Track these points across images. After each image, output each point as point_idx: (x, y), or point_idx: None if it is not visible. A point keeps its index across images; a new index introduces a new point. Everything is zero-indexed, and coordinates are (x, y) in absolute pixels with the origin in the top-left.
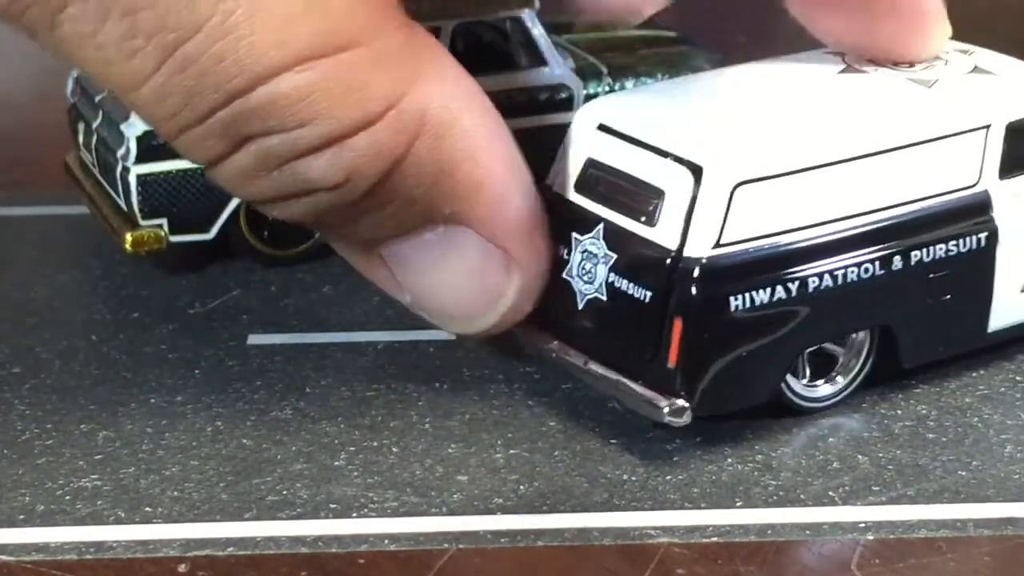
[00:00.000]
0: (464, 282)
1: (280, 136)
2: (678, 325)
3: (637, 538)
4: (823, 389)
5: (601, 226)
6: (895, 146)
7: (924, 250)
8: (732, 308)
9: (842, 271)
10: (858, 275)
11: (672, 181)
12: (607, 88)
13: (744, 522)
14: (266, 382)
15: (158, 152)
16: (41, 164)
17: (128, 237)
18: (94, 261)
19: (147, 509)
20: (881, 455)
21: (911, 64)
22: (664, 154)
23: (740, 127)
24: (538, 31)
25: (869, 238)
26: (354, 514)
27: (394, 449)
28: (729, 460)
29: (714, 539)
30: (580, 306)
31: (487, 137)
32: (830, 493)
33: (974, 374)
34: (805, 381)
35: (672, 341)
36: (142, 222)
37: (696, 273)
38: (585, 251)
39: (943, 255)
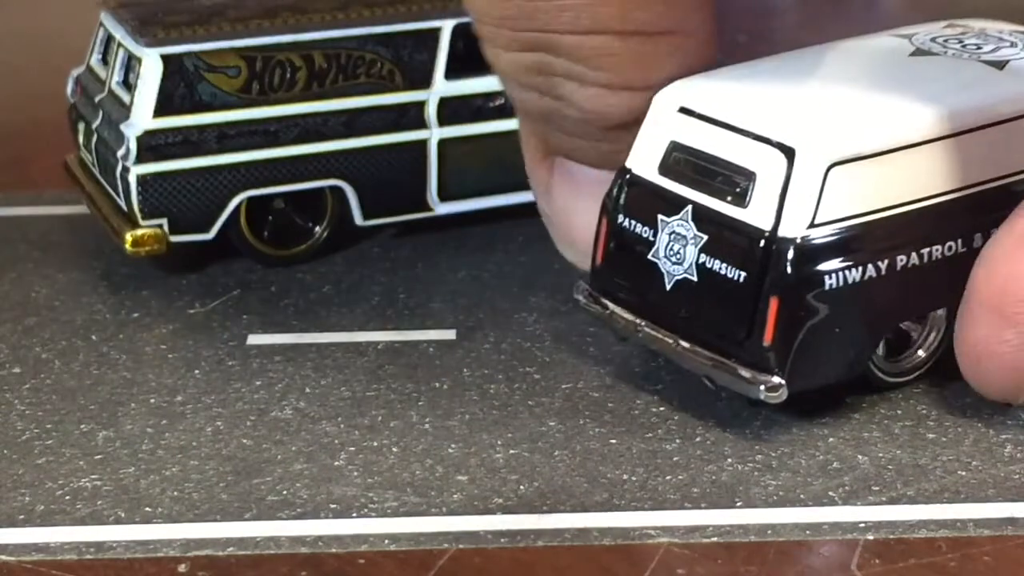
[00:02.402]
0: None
1: (569, 63)
2: (774, 304)
3: (637, 538)
4: (905, 363)
5: (689, 208)
6: (976, 126)
7: None
8: (826, 286)
9: (927, 249)
10: (942, 253)
11: (763, 163)
12: None
13: (744, 522)
14: (266, 382)
15: (158, 152)
16: (41, 164)
17: (128, 237)
18: (94, 261)
19: (147, 509)
20: (881, 455)
21: (978, 47)
22: (753, 136)
23: (826, 108)
24: None
25: (953, 216)
26: (354, 514)
27: (394, 449)
28: (729, 460)
29: (714, 539)
30: (668, 287)
31: None
32: (830, 493)
33: None
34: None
35: (768, 320)
36: (142, 222)
37: (792, 253)
38: (673, 232)
39: None
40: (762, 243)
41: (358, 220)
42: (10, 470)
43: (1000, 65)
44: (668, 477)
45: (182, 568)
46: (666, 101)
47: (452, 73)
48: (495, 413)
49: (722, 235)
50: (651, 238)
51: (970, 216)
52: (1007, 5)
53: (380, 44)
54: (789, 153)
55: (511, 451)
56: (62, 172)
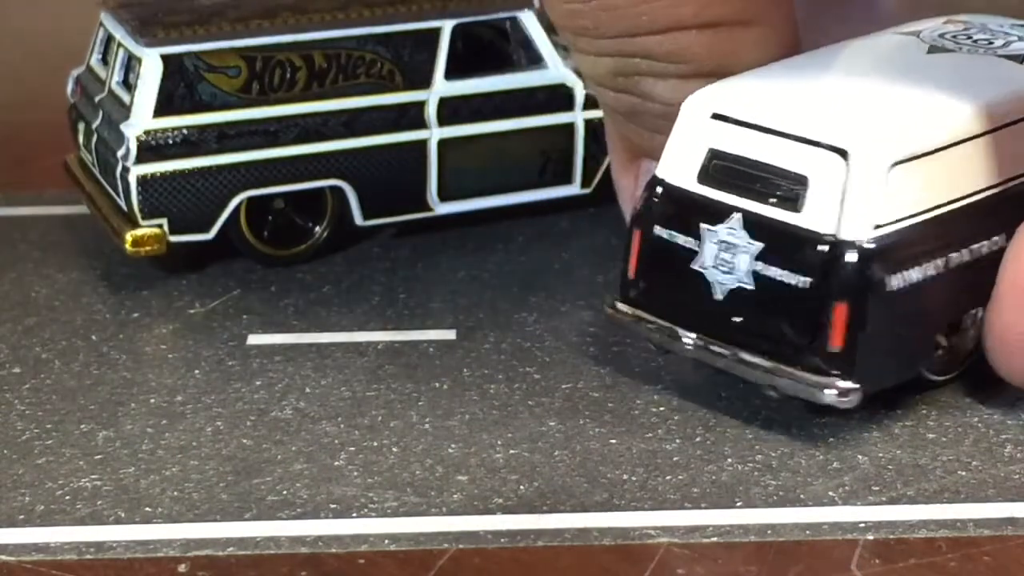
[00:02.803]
0: None
1: (648, 62)
2: (841, 309)
3: (637, 538)
4: (949, 363)
5: (738, 215)
6: (1014, 119)
7: None
8: (891, 287)
9: (977, 245)
10: (988, 248)
11: (817, 166)
12: None
13: (744, 522)
14: (266, 382)
15: (158, 152)
16: (41, 164)
17: (128, 237)
18: (94, 261)
19: (147, 509)
20: (881, 455)
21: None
22: (802, 140)
23: (868, 108)
24: (538, 31)
25: (997, 211)
26: (354, 514)
27: (394, 449)
28: (729, 460)
29: (714, 539)
30: (719, 297)
31: None
32: (830, 493)
33: (974, 374)
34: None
35: (835, 324)
36: (142, 222)
37: (857, 256)
38: (721, 242)
39: None
40: (825, 248)
41: (358, 220)
42: (10, 470)
43: (1020, 59)
44: (668, 477)
45: (182, 568)
46: (696, 108)
47: (452, 73)
48: (495, 413)
49: (778, 242)
50: (695, 248)
51: (1012, 210)
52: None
53: (380, 44)
54: (844, 155)
55: (511, 451)
56: (62, 172)
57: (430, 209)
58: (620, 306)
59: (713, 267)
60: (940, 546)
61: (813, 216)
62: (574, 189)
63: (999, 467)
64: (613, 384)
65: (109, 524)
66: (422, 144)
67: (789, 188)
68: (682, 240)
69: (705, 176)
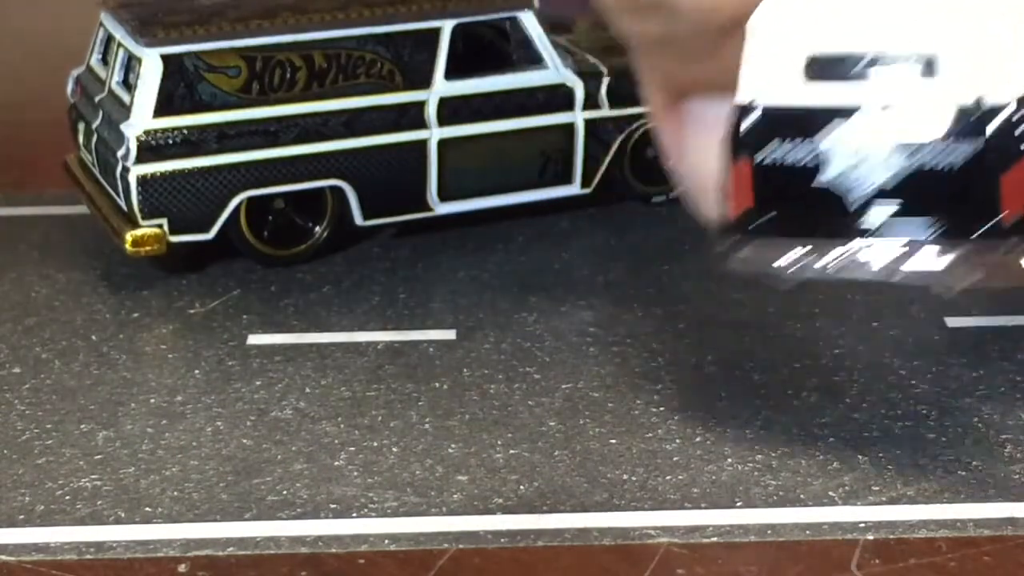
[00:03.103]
0: None
1: None
2: (1007, 178)
3: (637, 538)
4: None
5: (861, 112)
6: None
7: None
8: None
9: None
10: None
11: (953, 38)
12: (607, 88)
13: (744, 522)
14: (266, 382)
15: (158, 152)
16: (41, 164)
17: (128, 237)
18: (94, 261)
19: (147, 509)
20: (881, 455)
21: None
22: (923, 17)
23: None
24: (537, 31)
25: None
26: (354, 514)
27: (394, 449)
28: (729, 460)
29: (714, 539)
30: (856, 204)
31: None
32: (830, 493)
33: (974, 374)
34: None
35: (1001, 197)
36: (142, 222)
37: (1012, 120)
38: (851, 145)
39: None
40: (975, 119)
41: (358, 220)
42: (10, 470)
43: None
44: (668, 477)
45: (182, 568)
46: (774, 18)
47: (452, 73)
48: (495, 413)
49: (919, 127)
50: (808, 164)
51: None
52: None
53: (380, 44)
54: (969, 26)
55: (511, 451)
56: (62, 172)
57: (430, 209)
58: (739, 249)
59: (843, 173)
60: (940, 546)
61: (953, 90)
62: (574, 189)
63: (999, 467)
64: (613, 384)
65: (109, 524)
66: (422, 144)
67: (917, 69)
68: (799, 157)
69: (812, 82)
